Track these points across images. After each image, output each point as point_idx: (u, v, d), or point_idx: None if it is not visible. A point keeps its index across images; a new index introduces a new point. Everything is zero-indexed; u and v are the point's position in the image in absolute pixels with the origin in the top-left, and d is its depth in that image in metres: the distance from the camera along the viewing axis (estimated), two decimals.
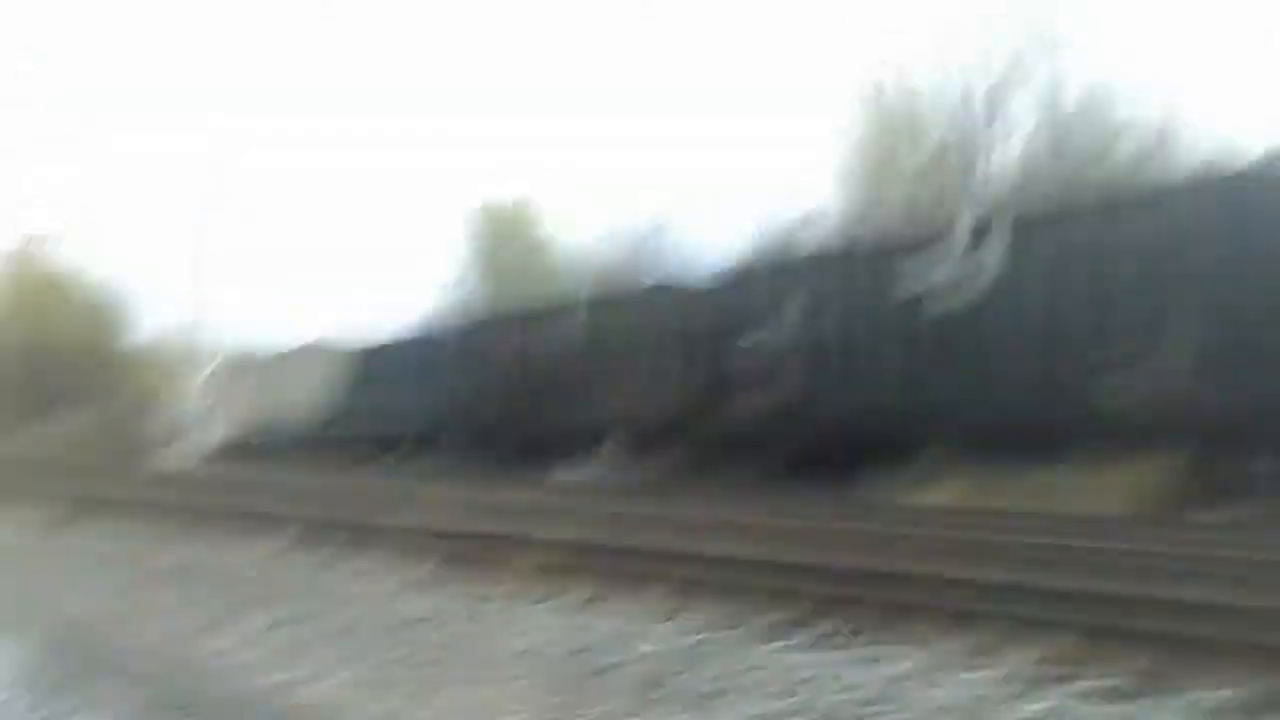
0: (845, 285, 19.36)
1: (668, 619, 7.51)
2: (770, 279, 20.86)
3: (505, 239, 60.00)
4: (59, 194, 44.61)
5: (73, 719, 6.14)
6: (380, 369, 35.61)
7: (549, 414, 24.47)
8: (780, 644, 6.77)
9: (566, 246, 59.57)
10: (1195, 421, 14.05)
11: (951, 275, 17.29)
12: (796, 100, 71.39)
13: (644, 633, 7.06)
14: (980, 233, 17.16)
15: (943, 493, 15.40)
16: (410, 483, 21.56)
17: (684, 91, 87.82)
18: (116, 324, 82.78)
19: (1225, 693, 5.41)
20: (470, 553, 10.19)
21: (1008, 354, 16.56)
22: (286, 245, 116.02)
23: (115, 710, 6.38)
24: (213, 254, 47.37)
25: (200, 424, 45.58)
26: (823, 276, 19.83)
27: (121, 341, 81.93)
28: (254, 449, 47.80)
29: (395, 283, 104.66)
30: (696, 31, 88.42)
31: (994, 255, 16.83)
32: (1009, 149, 37.09)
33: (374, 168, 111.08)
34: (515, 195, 62.57)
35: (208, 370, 46.26)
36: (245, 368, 51.83)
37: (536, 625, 7.36)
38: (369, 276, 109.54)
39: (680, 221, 51.80)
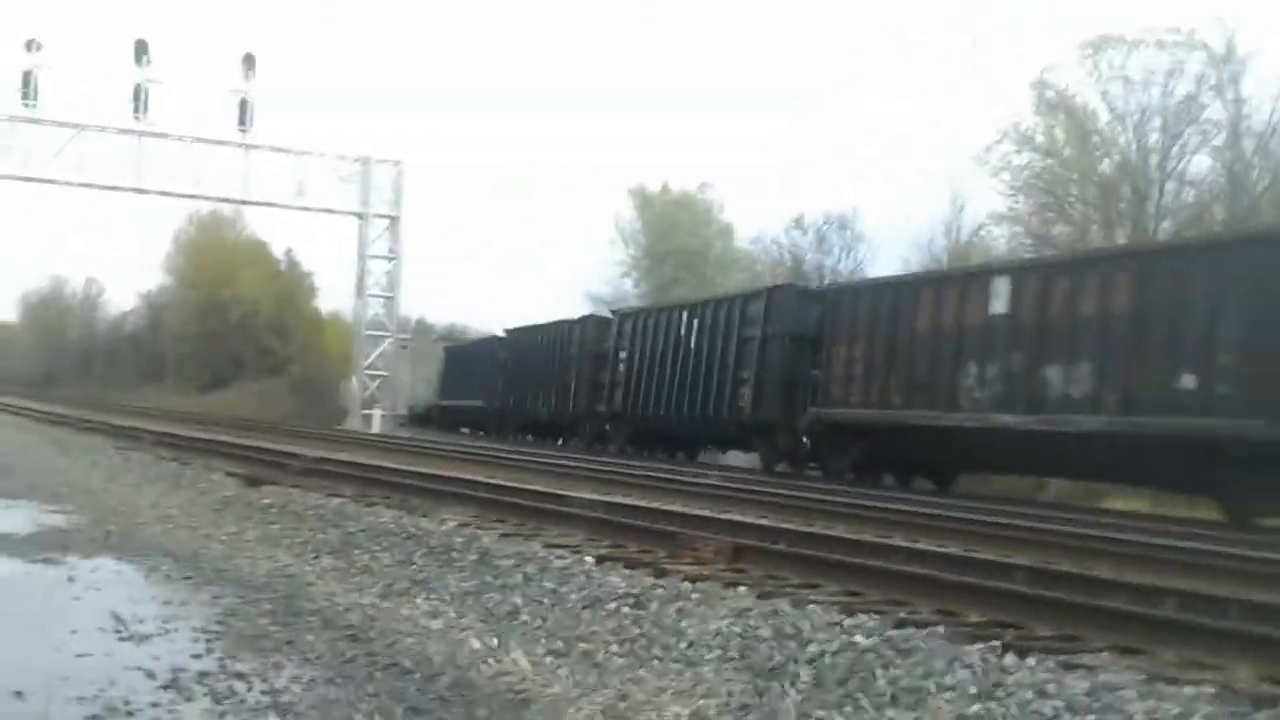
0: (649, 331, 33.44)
1: None
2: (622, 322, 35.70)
3: (678, 225, 60.02)
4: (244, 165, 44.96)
5: (272, 676, 6.14)
6: (533, 357, 41.03)
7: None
8: None
9: (741, 236, 59.95)
10: None
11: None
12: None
13: None
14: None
15: None
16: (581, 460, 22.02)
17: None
18: (299, 293, 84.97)
19: None
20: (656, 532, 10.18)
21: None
22: (470, 232, 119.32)
23: (316, 667, 6.40)
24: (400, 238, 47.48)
25: (387, 394, 46.40)
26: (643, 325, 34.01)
27: (304, 310, 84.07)
28: (437, 419, 49.30)
29: (572, 269, 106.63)
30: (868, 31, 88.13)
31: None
32: (1183, 182, 36.44)
33: (551, 159, 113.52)
34: (689, 183, 62.86)
35: (393, 345, 46.99)
36: (431, 347, 53.21)
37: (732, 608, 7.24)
38: (547, 263, 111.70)
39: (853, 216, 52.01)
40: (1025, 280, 20.69)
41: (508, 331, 46.01)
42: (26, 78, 42.71)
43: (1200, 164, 36.94)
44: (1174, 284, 17.68)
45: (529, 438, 41.87)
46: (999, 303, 20.67)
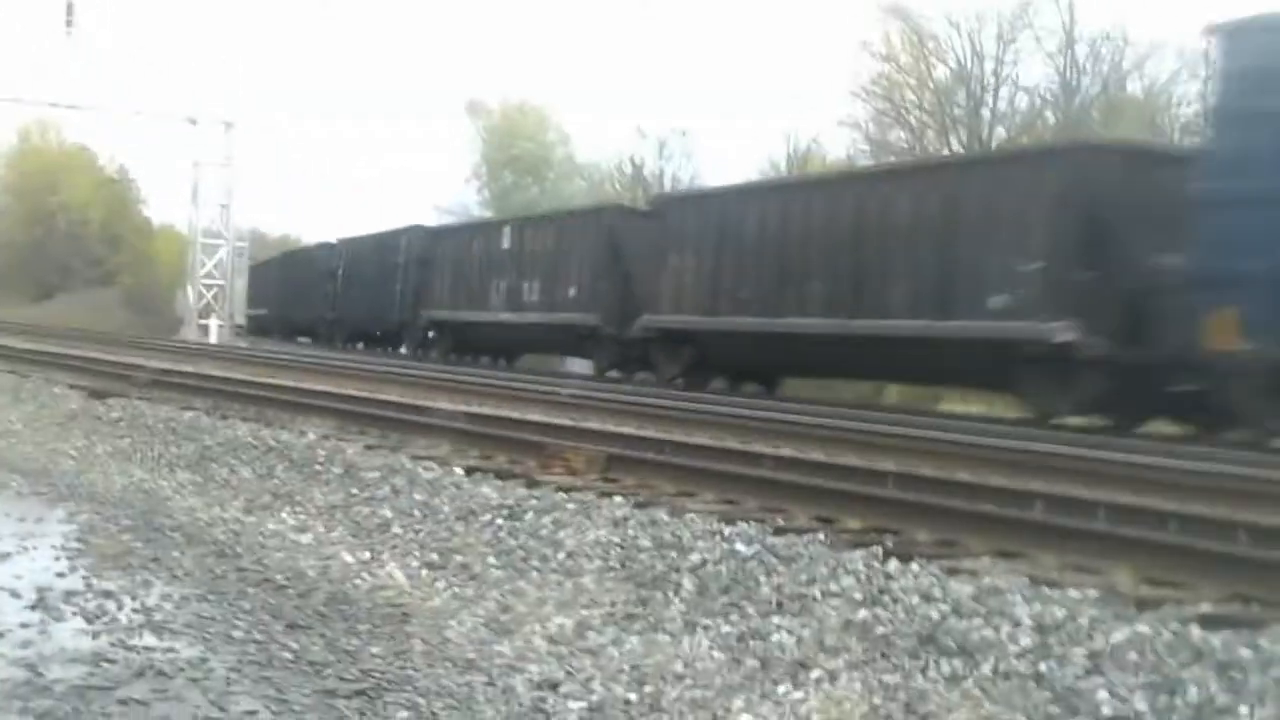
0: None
1: None
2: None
3: (516, 139, 59.70)
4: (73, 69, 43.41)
5: (141, 594, 5.96)
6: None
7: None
8: None
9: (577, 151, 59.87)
10: None
11: None
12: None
13: None
14: None
15: None
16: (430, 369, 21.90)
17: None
18: (129, 202, 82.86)
19: None
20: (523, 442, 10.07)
21: None
22: (305, 141, 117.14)
23: (186, 585, 6.23)
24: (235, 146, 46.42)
25: (223, 304, 45.59)
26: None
27: (135, 220, 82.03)
28: (270, 329, 48.82)
29: (409, 179, 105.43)
30: None
31: None
32: (1017, 87, 37.13)
33: (389, 65, 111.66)
34: (528, 97, 62.55)
35: (230, 254, 46.11)
36: (267, 258, 52.56)
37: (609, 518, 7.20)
38: (383, 173, 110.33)
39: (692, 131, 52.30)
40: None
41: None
42: None
43: (1034, 70, 37.69)
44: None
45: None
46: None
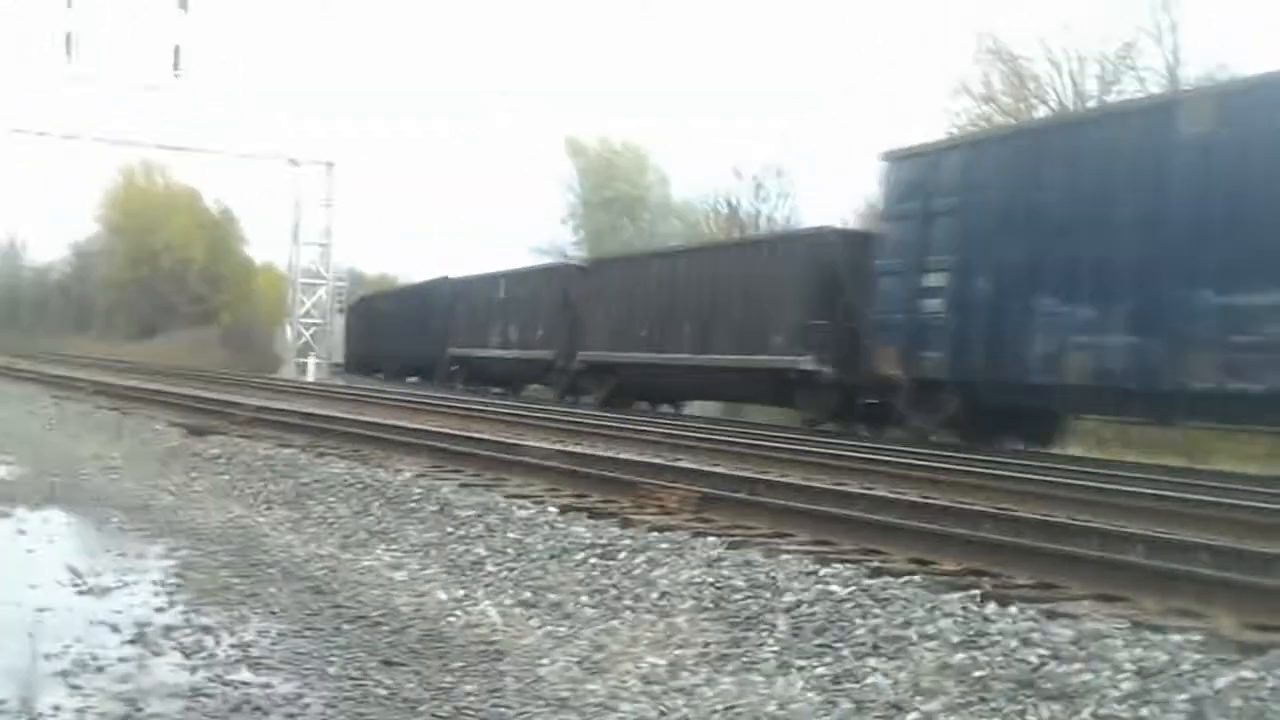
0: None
1: None
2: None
3: (612, 180, 59.86)
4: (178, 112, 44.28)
5: (239, 629, 6.02)
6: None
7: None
8: None
9: (681, 186, 59.99)
10: None
11: None
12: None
13: None
14: None
15: None
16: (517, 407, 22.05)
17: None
18: (231, 242, 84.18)
19: None
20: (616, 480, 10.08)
21: None
22: (404, 181, 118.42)
23: (282, 620, 6.28)
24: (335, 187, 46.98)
25: (322, 342, 46.16)
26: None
27: (236, 259, 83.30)
28: (370, 367, 49.39)
29: (508, 217, 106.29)
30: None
31: None
32: None
33: (484, 103, 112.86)
34: (626, 132, 62.80)
35: (326, 295, 46.67)
36: (365, 298, 53.30)
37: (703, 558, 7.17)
38: (481, 212, 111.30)
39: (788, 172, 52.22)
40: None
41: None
42: None
43: None
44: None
45: (411, 379, 47.52)
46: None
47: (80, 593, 6.71)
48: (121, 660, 5.30)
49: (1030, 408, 20.43)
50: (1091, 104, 36.82)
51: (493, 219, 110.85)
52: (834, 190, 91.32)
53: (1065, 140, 19.36)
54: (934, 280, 20.51)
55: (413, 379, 48.77)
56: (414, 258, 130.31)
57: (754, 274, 26.32)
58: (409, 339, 47.80)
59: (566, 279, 35.49)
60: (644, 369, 30.22)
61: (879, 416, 22.83)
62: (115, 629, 5.84)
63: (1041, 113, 38.36)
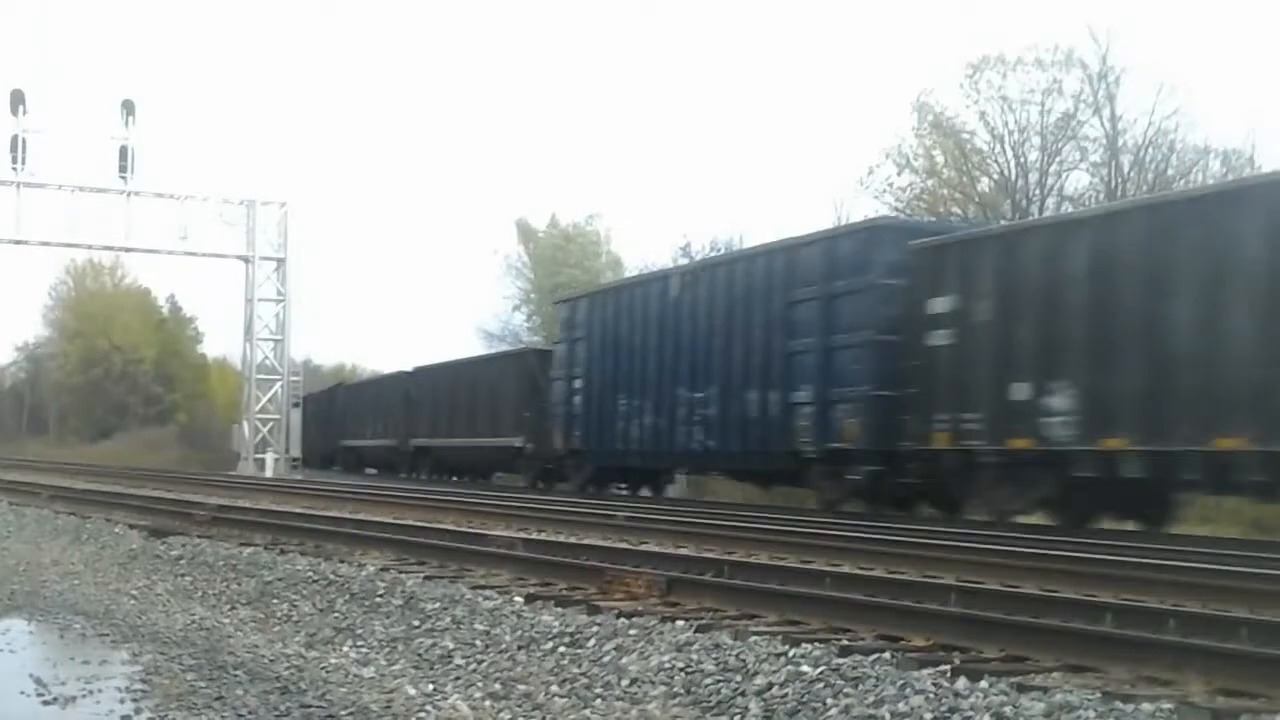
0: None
1: None
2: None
3: (566, 258, 59.98)
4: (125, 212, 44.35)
5: None
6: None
7: None
8: None
9: (630, 266, 60.08)
10: None
11: None
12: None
13: None
14: None
15: None
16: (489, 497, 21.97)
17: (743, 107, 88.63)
18: (183, 340, 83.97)
19: None
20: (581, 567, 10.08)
21: None
22: (357, 272, 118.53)
23: None
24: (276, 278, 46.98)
25: (278, 438, 45.99)
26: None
27: (189, 356, 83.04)
28: (330, 460, 49.16)
29: (460, 303, 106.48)
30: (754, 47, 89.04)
31: None
32: (1062, 197, 37.17)
33: (435, 195, 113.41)
34: (576, 214, 62.98)
35: (281, 390, 46.55)
36: (320, 390, 53.22)
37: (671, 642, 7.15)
38: (434, 299, 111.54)
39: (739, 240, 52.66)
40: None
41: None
42: None
43: (1079, 180, 37.73)
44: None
45: (371, 471, 49.71)
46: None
47: (45, 703, 6.64)
48: None
49: (623, 466, 30.15)
50: (1033, 176, 37.43)
51: (445, 305, 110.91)
52: None
53: (623, 297, 29.63)
54: (577, 385, 30.49)
55: (371, 470, 48.79)
56: (367, 347, 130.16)
57: (492, 380, 37.91)
58: (363, 431, 49.89)
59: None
60: (446, 449, 40.98)
61: (556, 476, 33.05)
62: None
63: (984, 185, 38.91)
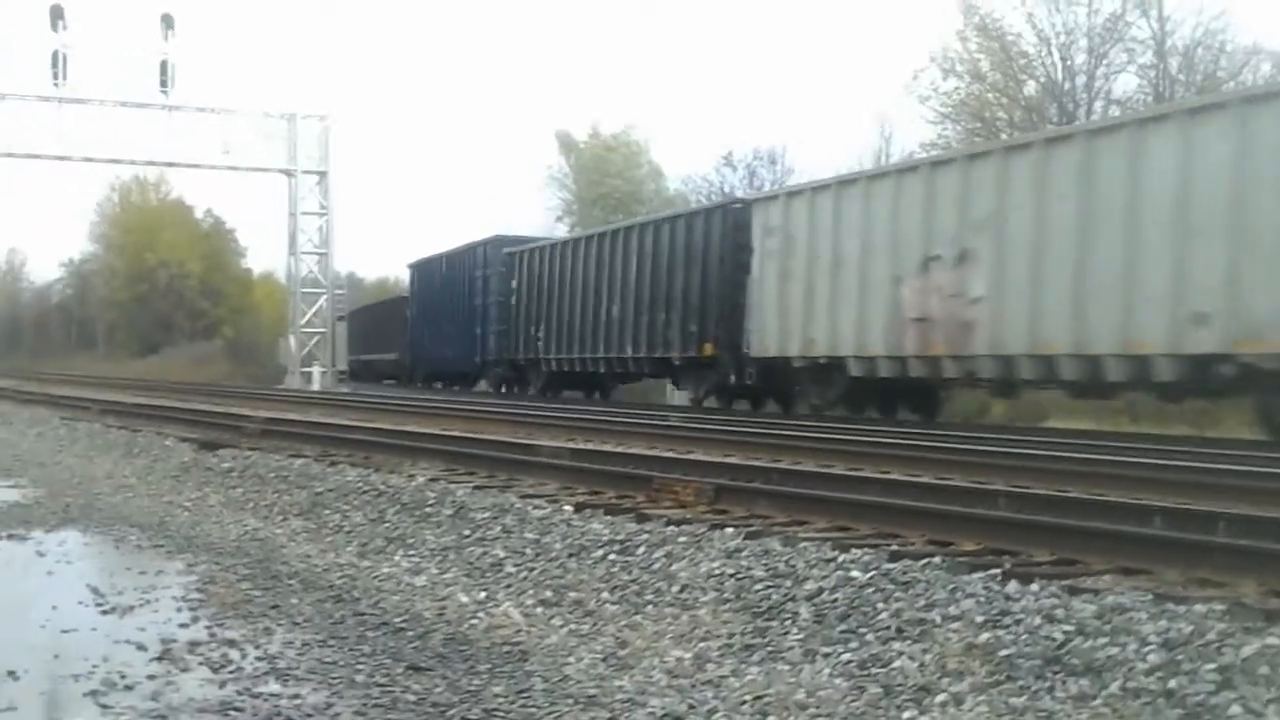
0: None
1: None
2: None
3: (608, 168, 59.77)
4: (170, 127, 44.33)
5: (264, 641, 6.03)
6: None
7: None
8: None
9: (672, 176, 59.86)
10: None
11: None
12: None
13: None
14: None
15: None
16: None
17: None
18: (227, 255, 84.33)
19: None
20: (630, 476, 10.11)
21: None
22: (401, 184, 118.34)
23: (306, 631, 6.30)
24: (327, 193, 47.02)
25: (324, 351, 46.25)
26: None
27: (234, 271, 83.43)
28: (372, 374, 49.41)
29: (500, 217, 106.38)
30: None
31: None
32: (1110, 101, 36.67)
33: (477, 105, 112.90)
34: (618, 124, 62.66)
35: (326, 304, 46.75)
36: (363, 305, 53.32)
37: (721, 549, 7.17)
38: (479, 211, 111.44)
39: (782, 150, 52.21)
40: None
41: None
42: None
43: (1127, 82, 37.28)
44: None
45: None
46: None
47: (103, 612, 6.72)
48: (150, 678, 5.31)
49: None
50: (1080, 79, 36.95)
51: (488, 216, 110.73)
52: (827, 172, 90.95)
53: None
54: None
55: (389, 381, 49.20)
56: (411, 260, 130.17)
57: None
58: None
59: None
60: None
61: None
62: (141, 647, 5.85)
63: (1030, 89, 38.46)
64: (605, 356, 30.06)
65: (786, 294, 22.96)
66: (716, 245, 25.63)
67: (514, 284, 35.09)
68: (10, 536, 9.45)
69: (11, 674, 5.30)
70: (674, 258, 27.07)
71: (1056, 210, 17.35)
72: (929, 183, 20.07)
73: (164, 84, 43.61)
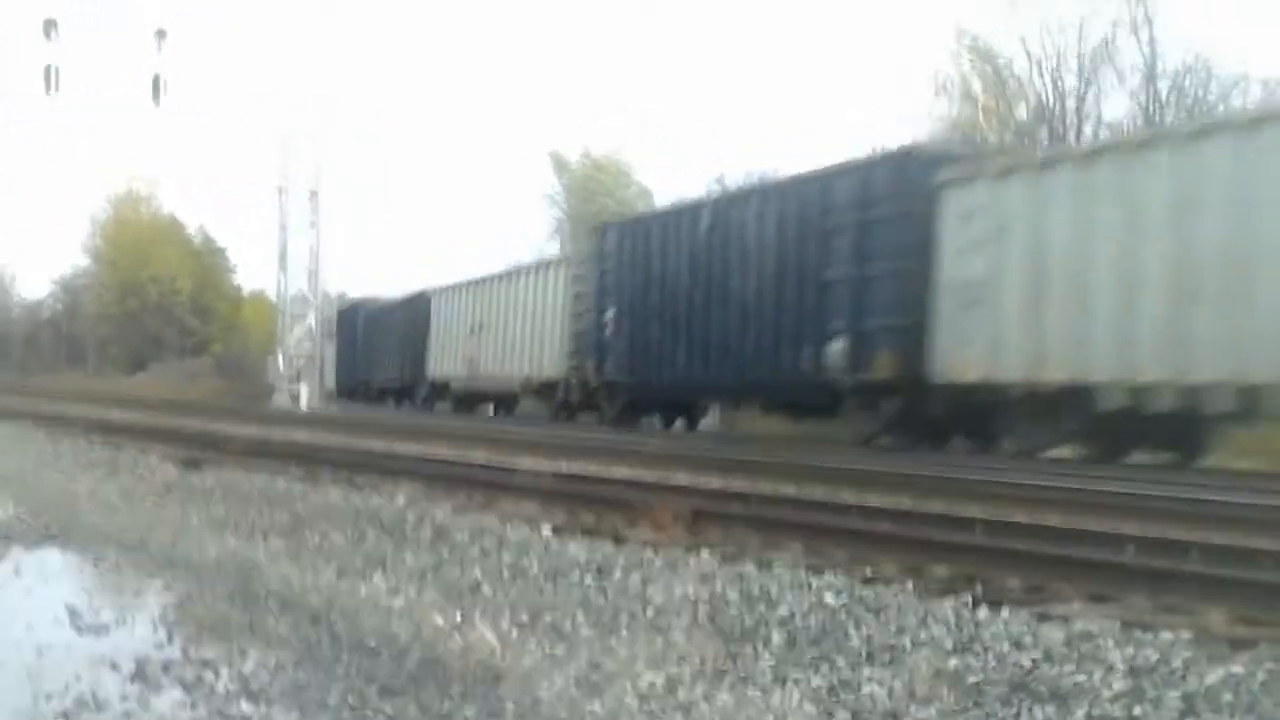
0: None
1: None
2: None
3: (596, 195, 59.94)
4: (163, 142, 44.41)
5: (238, 662, 6.05)
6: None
7: None
8: None
9: (665, 196, 59.94)
10: None
11: None
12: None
13: None
14: None
15: None
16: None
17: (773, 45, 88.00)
18: (218, 271, 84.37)
19: None
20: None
21: None
22: (391, 203, 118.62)
23: (281, 651, 6.32)
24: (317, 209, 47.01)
25: (312, 369, 46.21)
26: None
27: (223, 288, 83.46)
28: (360, 392, 49.34)
29: (495, 233, 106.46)
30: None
31: None
32: (1100, 124, 36.89)
33: (467, 121, 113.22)
34: (609, 146, 62.97)
35: (315, 321, 46.71)
36: (349, 318, 53.14)
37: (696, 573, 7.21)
38: (466, 228, 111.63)
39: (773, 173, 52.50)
40: None
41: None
42: None
43: (1117, 106, 37.49)
44: None
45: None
46: None
47: (80, 632, 6.74)
48: (123, 698, 5.33)
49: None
50: (1070, 102, 37.14)
51: (479, 236, 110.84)
52: None
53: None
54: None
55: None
56: (401, 279, 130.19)
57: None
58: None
59: None
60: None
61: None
62: (115, 666, 5.86)
63: (1021, 112, 38.64)
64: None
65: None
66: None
67: None
68: None
69: None
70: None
71: None
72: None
73: (155, 97, 43.57)
